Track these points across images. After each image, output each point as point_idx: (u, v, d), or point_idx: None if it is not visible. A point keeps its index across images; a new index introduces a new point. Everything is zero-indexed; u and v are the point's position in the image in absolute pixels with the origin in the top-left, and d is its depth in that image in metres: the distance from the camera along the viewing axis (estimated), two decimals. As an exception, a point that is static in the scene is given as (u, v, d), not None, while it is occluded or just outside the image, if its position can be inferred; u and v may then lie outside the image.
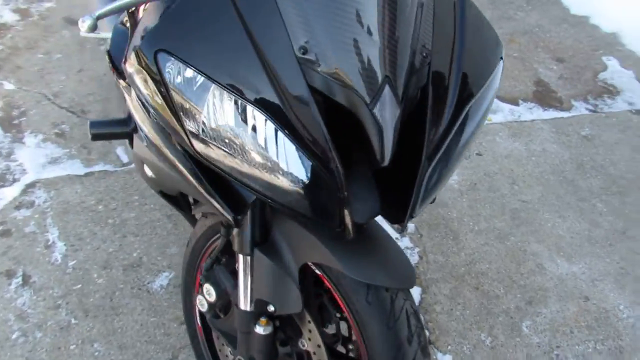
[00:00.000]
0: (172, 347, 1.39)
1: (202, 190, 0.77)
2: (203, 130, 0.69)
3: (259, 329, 0.93)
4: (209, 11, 0.69)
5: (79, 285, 1.52)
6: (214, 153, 0.70)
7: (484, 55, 0.83)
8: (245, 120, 0.67)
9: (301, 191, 0.68)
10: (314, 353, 0.96)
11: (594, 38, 2.68)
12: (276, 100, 0.66)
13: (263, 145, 0.67)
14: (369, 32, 0.68)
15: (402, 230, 0.73)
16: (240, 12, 0.68)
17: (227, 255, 1.03)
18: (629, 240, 1.74)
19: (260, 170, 0.69)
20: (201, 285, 1.04)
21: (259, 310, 0.93)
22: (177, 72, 0.66)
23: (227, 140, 0.68)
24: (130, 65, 0.75)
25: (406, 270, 0.88)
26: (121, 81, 0.98)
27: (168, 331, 1.43)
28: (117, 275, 1.55)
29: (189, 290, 1.21)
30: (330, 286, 0.88)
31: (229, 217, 0.77)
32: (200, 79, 0.66)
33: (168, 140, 0.79)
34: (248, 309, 0.94)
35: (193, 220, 1.21)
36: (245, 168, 0.70)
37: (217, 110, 0.66)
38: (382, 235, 0.91)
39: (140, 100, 0.78)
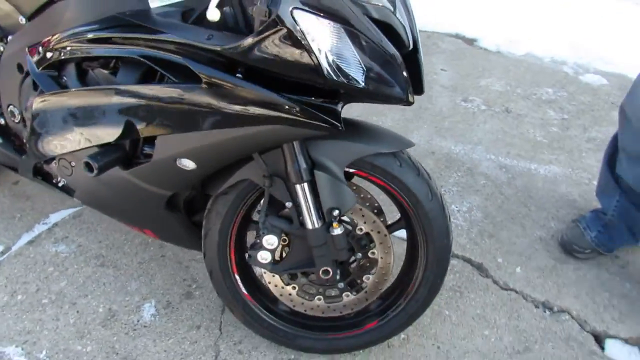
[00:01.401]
0: (209, 347, 1.46)
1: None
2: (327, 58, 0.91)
3: (336, 231, 1.18)
4: None
5: (71, 367, 1.40)
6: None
7: None
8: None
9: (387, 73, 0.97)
10: (380, 242, 1.27)
11: None
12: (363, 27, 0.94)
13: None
14: None
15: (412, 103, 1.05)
16: None
17: (267, 207, 1.21)
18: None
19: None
20: (258, 242, 1.20)
21: (328, 219, 1.17)
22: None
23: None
24: None
25: (402, 138, 1.25)
26: None
27: (194, 339, 1.47)
28: (101, 334, 1.47)
29: (227, 273, 1.32)
30: (367, 174, 1.20)
31: (337, 124, 0.99)
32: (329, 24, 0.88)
33: None
34: (317, 225, 1.18)
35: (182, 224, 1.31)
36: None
37: (335, 43, 0.89)
38: (374, 126, 1.25)
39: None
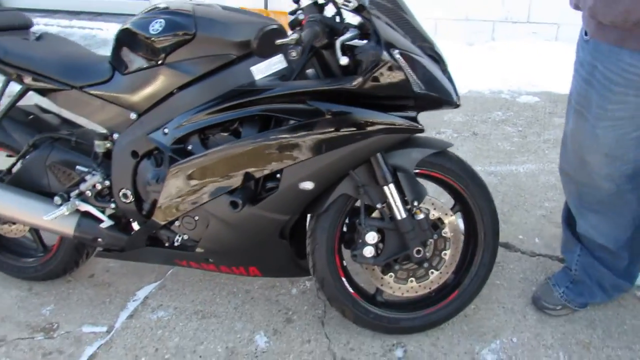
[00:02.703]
0: (325, 352, 1.70)
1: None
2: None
3: (420, 217, 1.54)
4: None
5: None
6: None
7: None
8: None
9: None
10: (448, 222, 1.64)
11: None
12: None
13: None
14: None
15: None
16: None
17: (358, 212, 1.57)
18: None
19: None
20: (360, 241, 1.54)
21: (411, 209, 1.54)
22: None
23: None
24: None
25: (442, 140, 1.66)
26: None
27: (309, 350, 1.72)
28: (229, 368, 1.68)
29: (337, 278, 1.63)
30: (428, 172, 1.59)
31: (421, 127, 1.40)
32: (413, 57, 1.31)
33: None
34: (405, 215, 1.54)
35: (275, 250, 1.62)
36: None
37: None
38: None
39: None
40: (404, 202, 1.53)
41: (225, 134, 1.51)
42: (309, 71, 1.47)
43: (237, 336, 1.80)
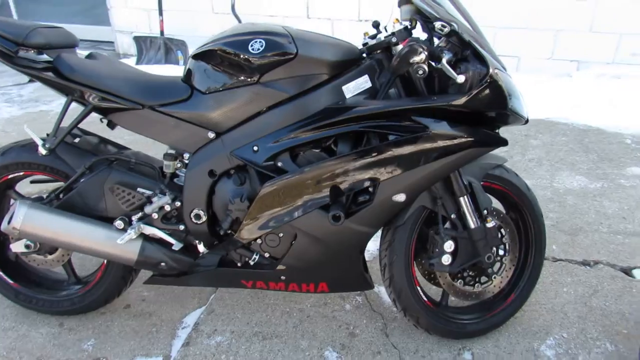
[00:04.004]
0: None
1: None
2: None
3: (490, 224, 1.67)
4: None
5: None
6: None
7: None
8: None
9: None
10: (508, 229, 1.78)
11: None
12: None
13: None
14: None
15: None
16: None
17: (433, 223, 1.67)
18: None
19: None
20: (436, 250, 1.64)
21: (482, 219, 1.67)
22: None
23: None
24: None
25: (498, 155, 1.81)
26: None
27: (382, 361, 1.76)
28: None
29: (413, 288, 1.71)
30: (489, 183, 1.73)
31: (506, 140, 1.54)
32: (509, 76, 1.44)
33: None
34: (478, 223, 1.66)
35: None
36: None
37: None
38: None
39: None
40: (475, 212, 1.66)
41: (317, 151, 1.56)
42: (392, 91, 1.57)
43: (305, 354, 1.80)
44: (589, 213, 2.63)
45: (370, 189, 1.54)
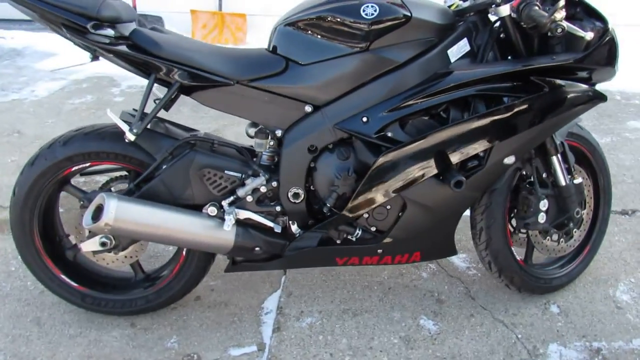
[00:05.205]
0: (492, 322, 1.79)
1: None
2: None
3: (577, 181, 1.72)
4: None
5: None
6: None
7: None
8: None
9: None
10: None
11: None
12: None
13: None
14: None
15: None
16: None
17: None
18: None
19: None
20: (531, 209, 1.67)
21: (571, 175, 1.71)
22: None
23: None
24: None
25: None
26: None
27: (478, 323, 1.79)
28: (420, 355, 1.68)
29: (508, 249, 1.74)
30: (569, 141, 1.78)
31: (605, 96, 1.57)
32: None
33: None
34: (568, 181, 1.71)
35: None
36: None
37: None
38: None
39: None
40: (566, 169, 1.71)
41: (426, 118, 1.52)
42: (489, 53, 1.56)
43: (402, 325, 1.79)
44: (610, 167, 2.78)
45: (481, 154, 1.53)
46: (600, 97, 1.58)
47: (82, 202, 1.62)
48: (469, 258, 2.13)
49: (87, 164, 1.61)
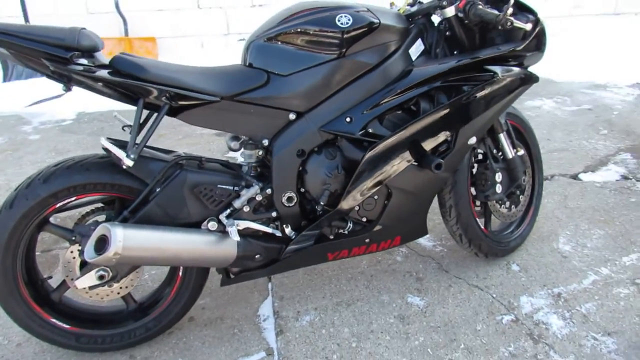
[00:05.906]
0: (483, 302, 2.00)
1: None
2: None
3: (520, 153, 2.00)
4: None
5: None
6: None
7: None
8: None
9: None
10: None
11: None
12: None
13: None
14: None
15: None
16: None
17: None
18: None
19: None
20: (489, 182, 1.92)
21: (515, 149, 1.99)
22: None
23: None
24: None
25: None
26: None
27: (466, 298, 1.99)
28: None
29: (474, 219, 1.97)
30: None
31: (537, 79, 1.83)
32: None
33: None
34: (513, 154, 1.97)
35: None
36: None
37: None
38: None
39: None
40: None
41: (399, 113, 1.69)
42: (439, 50, 1.77)
43: (393, 306, 1.94)
44: (524, 141, 3.20)
45: (449, 138, 1.73)
46: (535, 79, 1.86)
47: (73, 238, 1.56)
48: (432, 237, 2.35)
49: (73, 198, 1.56)
